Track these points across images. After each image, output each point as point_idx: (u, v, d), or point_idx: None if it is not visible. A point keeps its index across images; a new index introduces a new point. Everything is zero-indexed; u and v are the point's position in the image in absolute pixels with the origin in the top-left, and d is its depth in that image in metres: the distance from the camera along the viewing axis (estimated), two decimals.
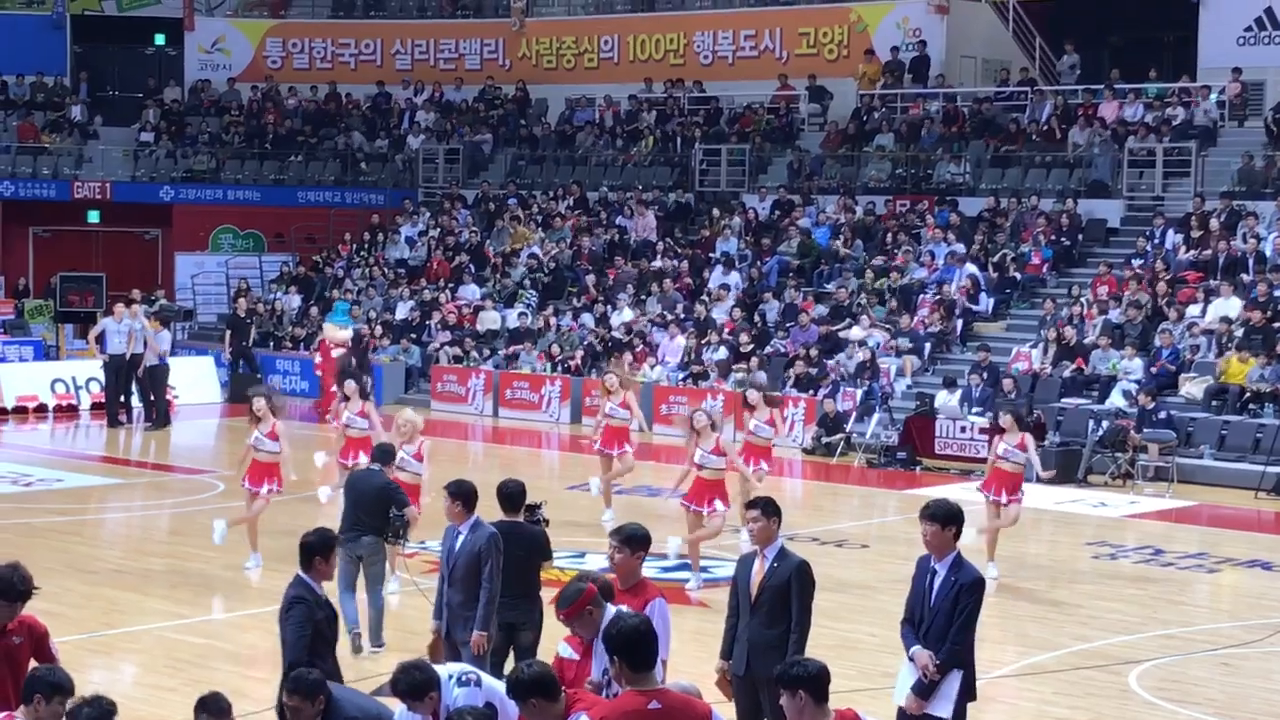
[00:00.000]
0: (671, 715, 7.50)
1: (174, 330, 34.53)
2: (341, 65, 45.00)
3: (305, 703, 8.05)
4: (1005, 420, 18.43)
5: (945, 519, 9.67)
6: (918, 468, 26.39)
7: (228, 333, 34.67)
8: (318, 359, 29.95)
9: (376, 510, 14.08)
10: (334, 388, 23.48)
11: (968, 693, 9.67)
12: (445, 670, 8.51)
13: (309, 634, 9.69)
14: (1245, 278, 29.00)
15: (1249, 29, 34.74)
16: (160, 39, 44.78)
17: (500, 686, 8.57)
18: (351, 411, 19.61)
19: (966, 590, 9.60)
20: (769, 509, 10.29)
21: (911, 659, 9.63)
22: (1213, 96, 33.93)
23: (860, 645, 14.20)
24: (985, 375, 27.45)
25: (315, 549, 9.92)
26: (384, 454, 14.96)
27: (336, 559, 10.02)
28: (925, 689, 9.54)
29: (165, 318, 31.61)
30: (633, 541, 9.65)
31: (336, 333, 28.08)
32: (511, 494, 11.79)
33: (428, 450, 17.28)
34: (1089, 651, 15.22)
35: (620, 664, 7.61)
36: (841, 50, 39.67)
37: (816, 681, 7.35)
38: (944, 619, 9.56)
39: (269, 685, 8.28)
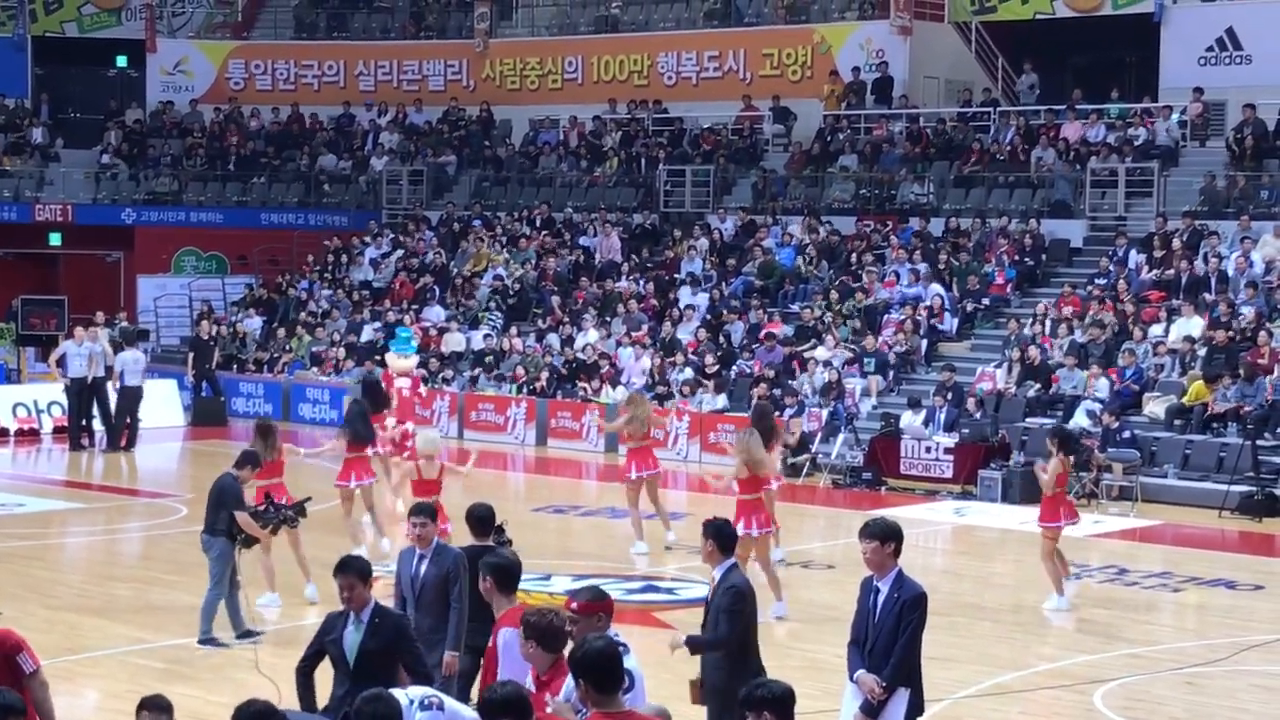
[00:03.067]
0: None
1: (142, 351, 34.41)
2: (305, 86, 44.93)
3: None
4: (1050, 442, 18.25)
5: (884, 536, 9.71)
6: (883, 488, 26.41)
7: (190, 355, 34.52)
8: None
9: (210, 508, 15.53)
10: (401, 423, 23.61)
11: (915, 709, 9.71)
12: (407, 695, 8.44)
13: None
14: (1208, 297, 29.12)
15: (1210, 49, 34.96)
16: (122, 61, 44.63)
17: (463, 710, 8.53)
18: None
19: (909, 606, 9.63)
20: (706, 530, 10.42)
21: (855, 682, 9.65)
22: (1174, 117, 34.11)
23: (826, 665, 14.17)
24: (950, 396, 27.49)
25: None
26: (243, 459, 15.89)
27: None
28: (872, 708, 9.56)
29: (115, 341, 31.46)
30: (485, 568, 9.85)
31: (399, 362, 26.87)
32: (482, 517, 11.85)
33: (449, 471, 17.69)
34: (1054, 671, 15.24)
35: (586, 686, 7.56)
36: (805, 71, 39.78)
37: (782, 703, 7.34)
38: (888, 636, 9.61)
39: (229, 710, 8.20)
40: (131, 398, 30.41)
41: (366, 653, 9.65)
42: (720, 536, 10.35)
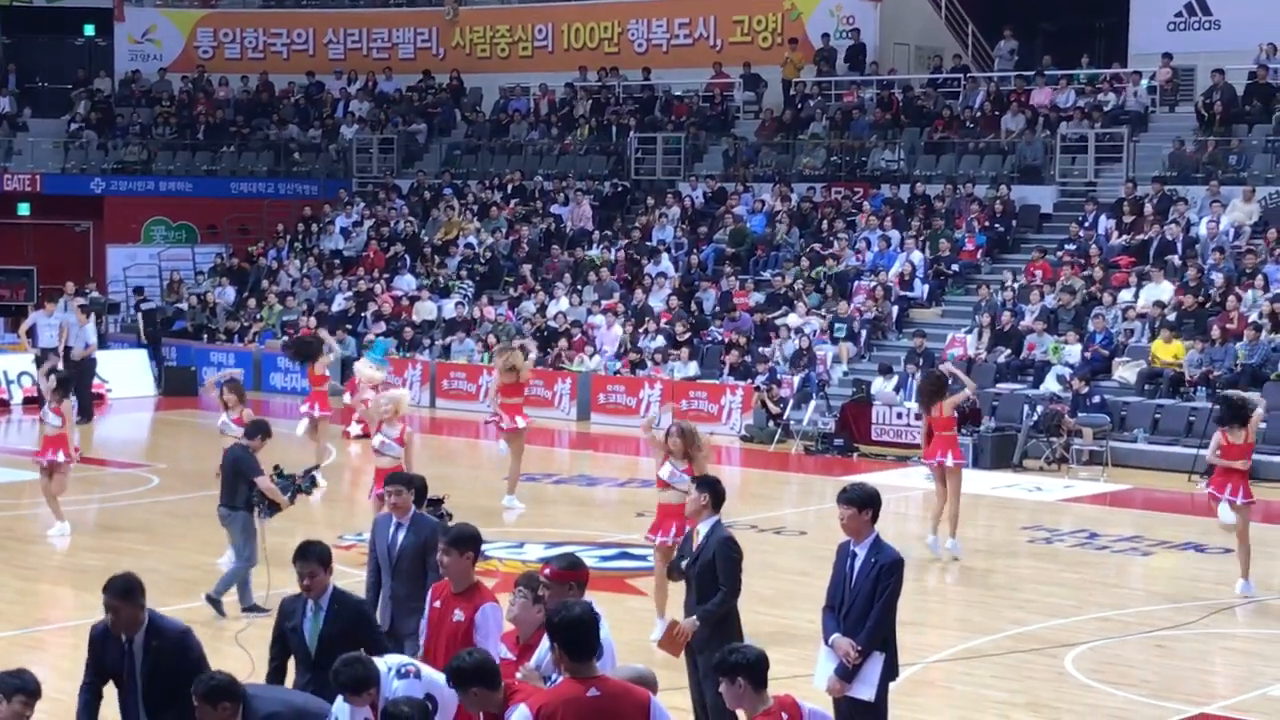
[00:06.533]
0: (610, 702, 7.50)
1: (104, 323, 34.33)
2: (274, 55, 44.76)
3: (206, 707, 8.00)
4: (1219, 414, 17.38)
5: (862, 502, 9.72)
6: (855, 454, 26.48)
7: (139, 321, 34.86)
8: (347, 398, 28.05)
9: (227, 481, 15.50)
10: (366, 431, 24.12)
11: (889, 673, 9.77)
12: (384, 663, 8.46)
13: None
14: (1175, 261, 29.22)
15: (1179, 15, 35.02)
16: (90, 29, 44.37)
17: (439, 678, 8.54)
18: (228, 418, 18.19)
19: (886, 571, 9.65)
20: (701, 485, 10.56)
21: (830, 645, 9.70)
22: (1144, 82, 34.18)
23: (798, 631, 14.24)
24: (921, 362, 27.56)
25: None
26: (253, 429, 15.84)
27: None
28: (847, 672, 9.62)
29: (88, 310, 31.46)
30: (461, 542, 9.60)
31: (369, 371, 27.25)
32: (426, 487, 12.00)
33: (409, 435, 17.37)
34: (1025, 635, 15.32)
35: (561, 651, 7.61)
36: (776, 38, 39.74)
37: (755, 668, 7.38)
38: (864, 600, 9.63)
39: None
40: (90, 369, 30.33)
41: (327, 638, 9.38)
42: (715, 492, 10.52)
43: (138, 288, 37.37)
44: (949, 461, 18.82)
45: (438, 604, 9.63)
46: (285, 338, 30.53)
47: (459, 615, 9.44)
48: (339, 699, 8.21)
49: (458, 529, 9.80)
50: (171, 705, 8.66)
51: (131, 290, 37.68)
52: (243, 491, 15.29)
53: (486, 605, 9.42)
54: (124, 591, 8.94)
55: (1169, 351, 26.51)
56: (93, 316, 31.47)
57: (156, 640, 8.92)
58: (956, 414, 19.70)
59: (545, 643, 8.61)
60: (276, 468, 15.70)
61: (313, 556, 9.51)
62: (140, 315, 36.16)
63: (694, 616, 10.39)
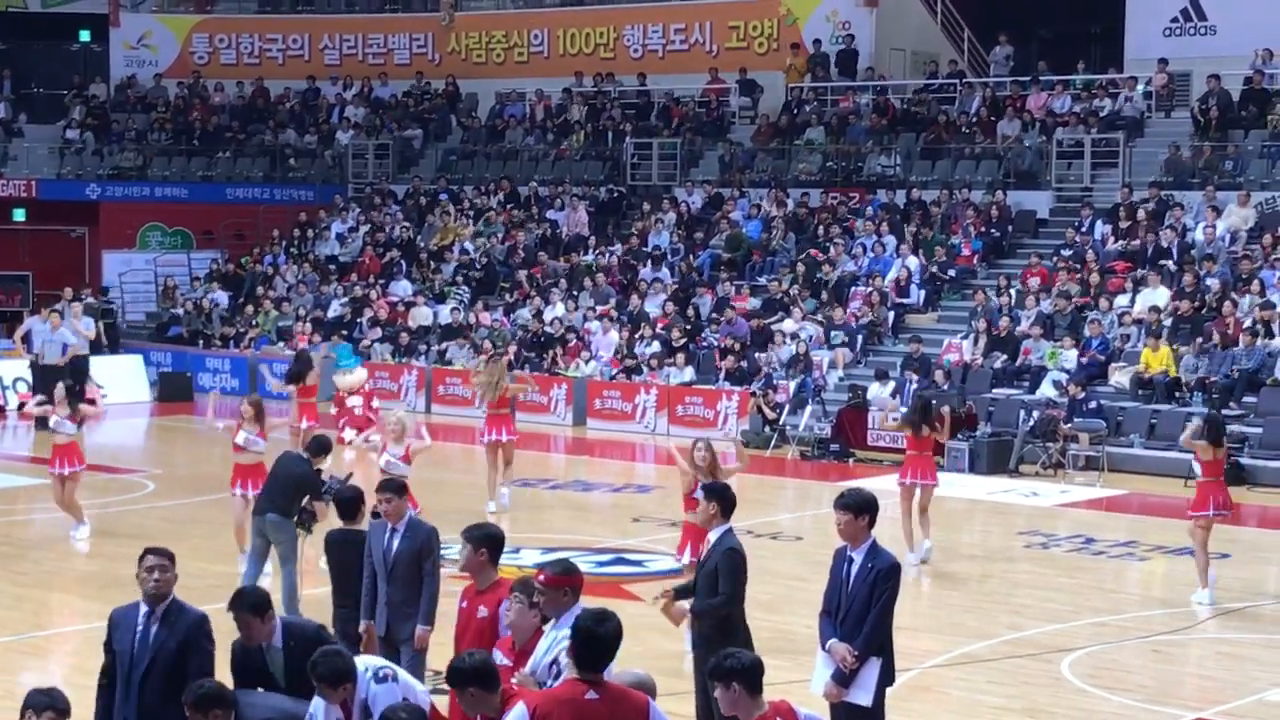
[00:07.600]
0: (607, 705, 7.52)
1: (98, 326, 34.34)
2: (269, 61, 44.74)
3: (197, 714, 7.98)
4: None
5: (858, 508, 9.73)
6: (850, 459, 26.47)
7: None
8: (333, 410, 28.35)
9: (285, 492, 15.06)
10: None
11: (886, 678, 9.76)
12: (362, 663, 8.47)
13: None
14: (1171, 266, 29.21)
15: (1175, 20, 35.05)
16: (85, 35, 44.36)
17: (415, 683, 8.58)
18: (249, 433, 17.74)
19: (884, 576, 9.66)
20: (710, 492, 10.69)
21: (827, 651, 9.70)
22: (1139, 88, 34.19)
23: (795, 636, 14.22)
24: (919, 368, 27.56)
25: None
26: (317, 446, 15.48)
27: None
28: (844, 677, 9.61)
29: (62, 314, 31.52)
30: (474, 538, 9.72)
31: (345, 379, 27.21)
32: (348, 500, 12.10)
33: (414, 451, 17.72)
34: (1021, 640, 15.31)
35: (572, 654, 7.67)
36: (771, 43, 39.75)
37: (750, 674, 7.37)
38: (861, 605, 9.64)
39: None
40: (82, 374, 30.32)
41: (293, 673, 8.95)
42: (724, 500, 10.62)
43: (103, 289, 37.21)
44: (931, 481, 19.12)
45: (464, 604, 9.78)
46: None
47: (483, 611, 9.53)
48: (315, 697, 8.22)
49: (477, 527, 9.92)
50: (169, 704, 8.65)
51: (106, 291, 37.58)
52: (299, 506, 15.14)
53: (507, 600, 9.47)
54: (173, 556, 9.10)
55: (1158, 359, 26.50)
56: (68, 319, 31.27)
57: (174, 616, 9.03)
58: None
59: (541, 648, 8.63)
60: (318, 471, 15.65)
61: (244, 606, 8.99)
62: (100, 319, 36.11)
63: (687, 603, 10.51)
